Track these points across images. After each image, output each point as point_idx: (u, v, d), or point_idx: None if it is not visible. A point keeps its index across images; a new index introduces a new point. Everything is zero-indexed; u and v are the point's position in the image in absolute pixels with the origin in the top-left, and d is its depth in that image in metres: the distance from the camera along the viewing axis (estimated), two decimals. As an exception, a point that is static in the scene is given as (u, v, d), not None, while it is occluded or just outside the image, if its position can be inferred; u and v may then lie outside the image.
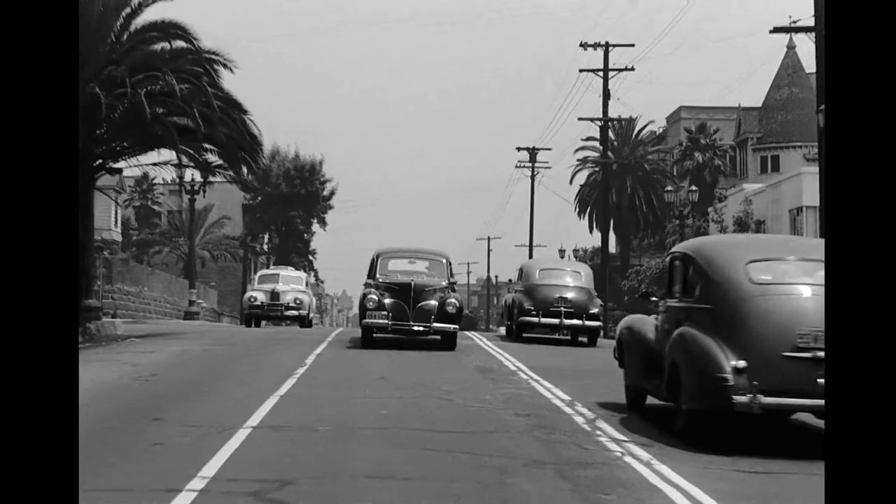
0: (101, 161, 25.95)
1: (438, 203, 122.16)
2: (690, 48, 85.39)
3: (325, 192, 69.48)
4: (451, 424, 10.88)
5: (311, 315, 36.63)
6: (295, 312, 34.44)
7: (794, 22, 30.08)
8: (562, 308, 24.72)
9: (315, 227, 71.40)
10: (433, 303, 20.83)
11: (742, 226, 46.63)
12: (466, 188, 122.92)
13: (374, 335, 21.17)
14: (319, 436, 10.06)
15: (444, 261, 22.45)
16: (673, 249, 12.34)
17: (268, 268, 61.92)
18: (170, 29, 25.80)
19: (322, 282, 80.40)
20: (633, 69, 54.95)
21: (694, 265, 11.06)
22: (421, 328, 20.80)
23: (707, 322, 10.37)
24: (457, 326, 21.19)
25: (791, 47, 60.80)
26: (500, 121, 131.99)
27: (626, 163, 74.00)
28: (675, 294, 11.47)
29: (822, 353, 9.05)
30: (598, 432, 10.78)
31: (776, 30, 29.70)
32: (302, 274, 40.15)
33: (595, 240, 79.14)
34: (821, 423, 10.76)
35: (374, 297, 20.76)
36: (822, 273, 9.28)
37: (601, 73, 54.24)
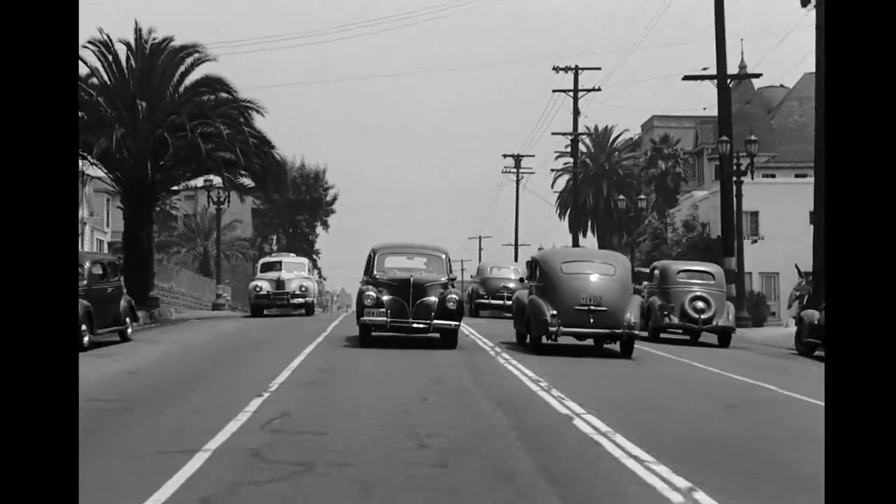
0: (162, 185, 34.43)
1: (433, 204, 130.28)
2: (657, 60, 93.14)
3: (328, 198, 77.77)
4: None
5: (315, 301, 36.75)
6: (301, 300, 34.93)
7: (705, 69, 38.43)
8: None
9: (318, 229, 79.66)
10: (433, 299, 20.46)
11: (689, 227, 54.91)
12: (460, 190, 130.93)
13: (373, 333, 21.02)
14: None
15: (444, 256, 22.09)
16: (529, 257, 22.29)
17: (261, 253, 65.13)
18: (214, 84, 34.19)
19: (325, 279, 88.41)
20: (599, 90, 63.62)
21: (539, 264, 21.19)
22: (421, 325, 20.40)
23: (542, 292, 20.38)
24: (458, 323, 20.81)
25: (742, 67, 68.90)
26: (490, 129, 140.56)
27: (602, 168, 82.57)
28: (532, 279, 21.57)
29: (594, 307, 19.44)
30: (497, 352, 19.62)
31: (686, 77, 38.03)
32: (304, 260, 39.83)
33: (564, 239, 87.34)
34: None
35: (371, 293, 20.46)
36: (600, 267, 19.93)
37: (571, 94, 62.75)
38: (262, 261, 40.00)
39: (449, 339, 20.87)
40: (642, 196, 68.78)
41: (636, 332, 20.25)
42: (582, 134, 65.66)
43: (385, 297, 20.49)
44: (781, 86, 77.13)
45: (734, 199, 39.36)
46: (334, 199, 78.47)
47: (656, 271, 27.16)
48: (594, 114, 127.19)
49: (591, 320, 19.65)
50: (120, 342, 21.97)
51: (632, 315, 19.86)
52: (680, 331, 26.45)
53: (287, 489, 7.93)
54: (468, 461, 8.96)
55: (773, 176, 65.89)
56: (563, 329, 19.59)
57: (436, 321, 20.37)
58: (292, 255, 43.57)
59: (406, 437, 10.17)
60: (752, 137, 41.45)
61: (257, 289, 34.90)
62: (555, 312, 19.47)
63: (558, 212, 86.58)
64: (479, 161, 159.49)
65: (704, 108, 75.28)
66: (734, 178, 40.92)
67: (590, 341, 21.27)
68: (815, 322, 23.96)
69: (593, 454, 9.48)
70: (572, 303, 19.54)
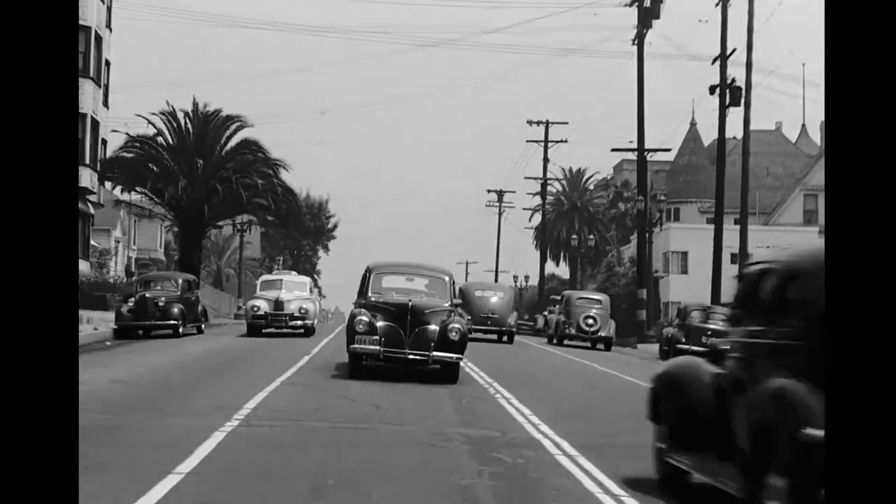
0: (211, 222, 46.46)
1: (423, 230, 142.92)
2: (623, 113, 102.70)
3: (329, 226, 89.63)
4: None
5: (315, 322, 34.79)
6: (300, 322, 32.89)
7: (630, 142, 50.33)
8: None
9: (320, 252, 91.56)
10: (433, 327, 18.52)
11: (633, 262, 66.62)
12: (449, 218, 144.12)
13: (364, 363, 18.87)
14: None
15: (447, 279, 20.29)
16: (459, 286, 32.90)
17: (270, 272, 66.01)
18: (251, 146, 46.20)
19: (324, 297, 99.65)
20: (566, 141, 75.75)
21: (462, 290, 32.78)
22: (418, 357, 18.45)
23: (468, 311, 31.84)
24: (460, 356, 18.85)
25: (693, 124, 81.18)
26: (479, 162, 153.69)
27: (574, 206, 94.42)
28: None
29: (493, 316, 31.38)
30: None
31: (614, 150, 49.91)
32: (305, 279, 38.10)
33: (549, 268, 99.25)
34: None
35: (364, 318, 18.43)
36: (495, 293, 33.05)
37: (542, 144, 74.84)
38: (261, 278, 38.50)
39: (450, 373, 18.81)
40: (612, 232, 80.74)
41: (514, 330, 36.70)
42: (552, 180, 77.75)
43: (379, 323, 18.36)
44: (734, 137, 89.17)
45: (647, 245, 51.20)
46: (335, 226, 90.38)
47: (563, 297, 39.55)
48: (575, 152, 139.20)
49: (489, 323, 35.39)
50: (196, 334, 33.43)
51: (511, 321, 36.18)
52: (577, 339, 38.38)
53: None
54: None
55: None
56: (473, 328, 31.45)
57: (435, 353, 18.31)
58: (293, 273, 41.96)
59: None
60: (662, 197, 53.26)
61: (254, 308, 33.12)
62: (469, 318, 30.84)
63: (534, 243, 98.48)
64: (467, 192, 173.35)
65: (669, 149, 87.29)
66: (655, 228, 52.77)
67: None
68: (668, 336, 35.64)
69: (483, 389, 18.44)
70: (479, 313, 34.42)
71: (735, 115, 51.48)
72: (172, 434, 11.22)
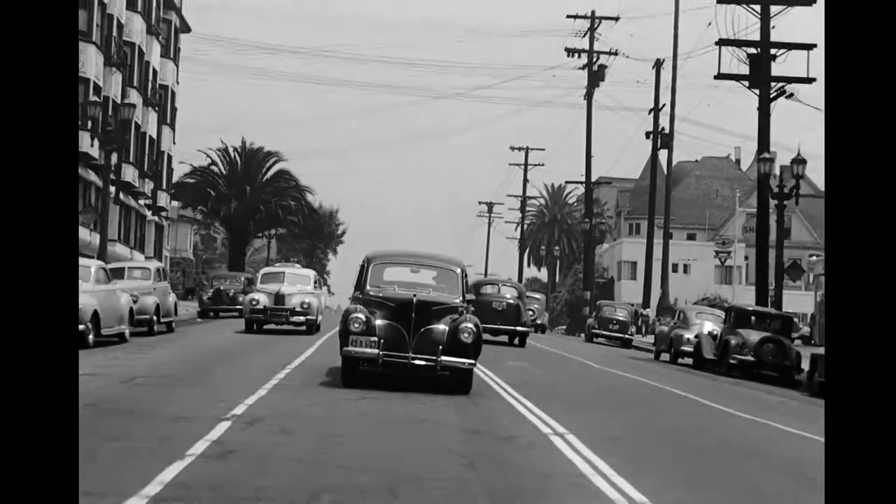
0: (253, 234, 61.49)
1: (423, 235, 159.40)
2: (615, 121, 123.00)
3: (339, 232, 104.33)
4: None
5: (320, 317, 32.76)
6: (301, 318, 30.77)
7: (581, 175, 65.01)
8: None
9: (330, 255, 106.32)
10: (441, 327, 15.67)
11: (596, 271, 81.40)
12: (446, 225, 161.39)
13: (361, 368, 16.09)
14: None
15: (458, 271, 17.22)
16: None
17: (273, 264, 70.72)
18: (285, 175, 61.29)
19: (333, 294, 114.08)
20: (543, 165, 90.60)
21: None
22: (423, 362, 15.54)
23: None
24: (473, 362, 15.92)
25: (657, 148, 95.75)
26: (469, 183, 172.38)
27: (554, 218, 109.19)
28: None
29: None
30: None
31: (568, 182, 64.63)
32: (310, 272, 36.00)
33: (532, 272, 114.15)
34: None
35: (360, 316, 15.62)
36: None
37: (522, 167, 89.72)
38: (262, 271, 36.50)
39: (461, 382, 16.15)
40: (605, 245, 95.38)
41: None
42: (532, 198, 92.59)
43: (378, 322, 15.73)
44: (696, 160, 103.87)
45: (593, 257, 65.99)
46: (343, 232, 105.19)
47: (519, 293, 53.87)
48: (558, 167, 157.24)
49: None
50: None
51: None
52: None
53: None
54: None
55: (672, 235, 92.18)
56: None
57: (444, 358, 15.58)
58: (297, 265, 41.51)
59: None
60: (612, 216, 68.05)
61: (253, 302, 30.83)
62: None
63: (518, 251, 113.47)
64: (464, 204, 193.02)
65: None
66: (604, 242, 67.50)
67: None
68: (589, 325, 50.31)
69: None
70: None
71: (696, 143, 66.43)
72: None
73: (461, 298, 16.58)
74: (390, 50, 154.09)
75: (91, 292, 22.91)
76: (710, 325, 32.77)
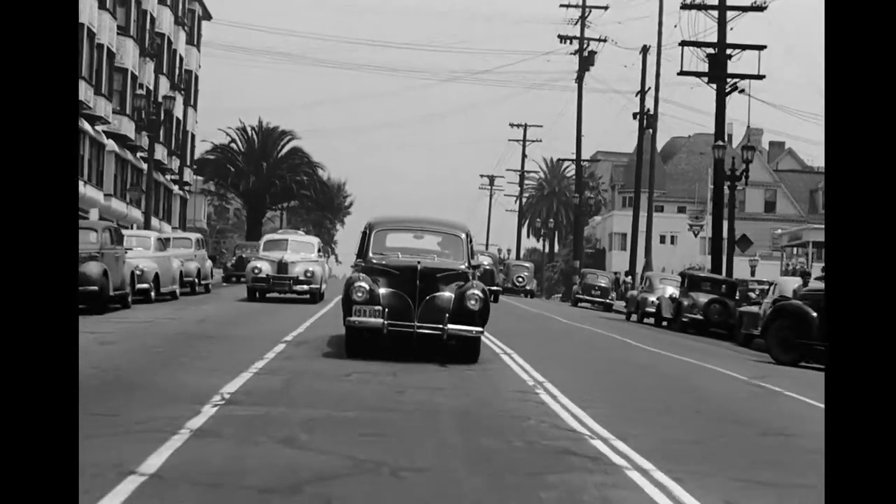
0: (269, 206, 67.20)
1: (428, 205, 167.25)
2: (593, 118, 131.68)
3: (346, 204, 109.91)
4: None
5: (324, 286, 32.19)
6: (305, 287, 30.41)
7: (571, 153, 70.48)
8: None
9: (338, 226, 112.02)
10: (447, 294, 15.40)
11: (588, 241, 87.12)
12: (449, 197, 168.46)
13: (364, 337, 15.61)
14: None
15: (464, 235, 16.82)
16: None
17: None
18: (298, 152, 66.94)
19: (340, 263, 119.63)
20: (540, 141, 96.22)
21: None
22: (430, 331, 15.28)
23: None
24: (481, 329, 15.60)
25: (646, 128, 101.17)
26: (473, 157, 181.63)
27: (553, 191, 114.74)
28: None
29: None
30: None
31: (561, 160, 70.02)
32: (313, 239, 35.55)
33: (531, 242, 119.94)
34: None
35: (363, 285, 15.31)
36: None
37: (521, 142, 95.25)
38: (265, 238, 35.26)
39: (468, 351, 15.81)
40: (598, 217, 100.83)
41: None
42: (530, 172, 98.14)
43: (382, 291, 15.38)
44: (689, 136, 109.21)
45: (583, 230, 71.62)
46: (350, 203, 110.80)
47: (505, 264, 59.84)
48: (557, 143, 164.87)
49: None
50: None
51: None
52: (513, 292, 58.95)
53: None
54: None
55: (662, 208, 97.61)
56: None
57: (451, 326, 15.21)
58: (300, 232, 40.67)
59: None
60: (606, 189, 73.53)
61: (255, 270, 30.53)
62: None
63: (517, 223, 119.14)
64: (465, 178, 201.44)
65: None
66: (597, 216, 72.99)
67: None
68: (574, 290, 55.98)
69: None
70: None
71: (689, 115, 72.35)
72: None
73: (466, 264, 16.24)
74: (399, 36, 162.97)
75: (151, 258, 28.71)
76: (670, 289, 38.32)
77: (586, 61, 68.97)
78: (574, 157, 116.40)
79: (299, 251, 31.79)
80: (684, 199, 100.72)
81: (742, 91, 40.80)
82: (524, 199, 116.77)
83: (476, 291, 15.46)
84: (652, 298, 38.90)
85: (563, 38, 68.58)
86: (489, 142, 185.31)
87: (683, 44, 40.80)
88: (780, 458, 9.62)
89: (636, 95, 69.60)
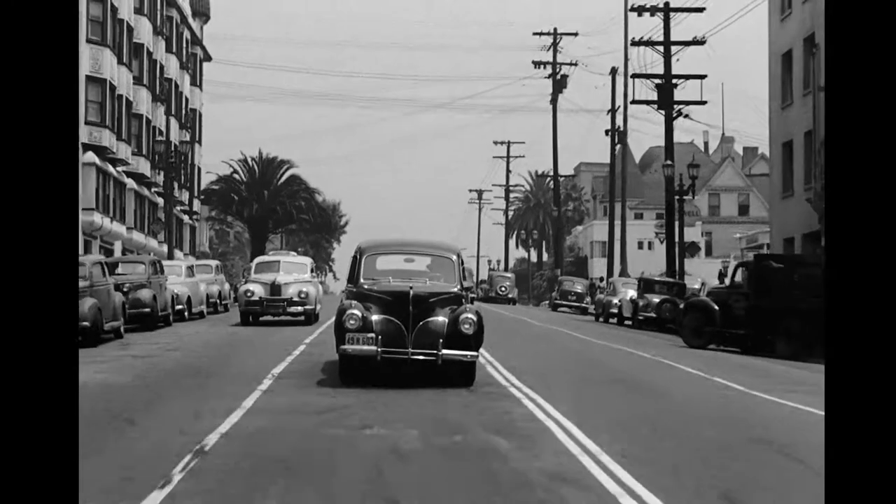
0: (271, 230, 73.30)
1: (420, 222, 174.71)
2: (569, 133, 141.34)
3: (342, 223, 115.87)
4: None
5: (318, 306, 32.03)
6: (299, 308, 30.49)
7: (549, 170, 76.49)
8: None
9: (335, 244, 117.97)
10: (441, 319, 15.46)
11: (570, 249, 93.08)
12: (440, 212, 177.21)
13: (358, 366, 15.65)
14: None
15: (454, 257, 17.01)
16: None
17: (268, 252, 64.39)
18: (297, 180, 73.03)
19: (338, 279, 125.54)
20: (524, 156, 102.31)
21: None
22: (424, 357, 15.32)
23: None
24: (476, 354, 15.68)
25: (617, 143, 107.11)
26: (462, 173, 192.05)
27: (539, 202, 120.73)
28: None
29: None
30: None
31: (539, 176, 75.96)
32: (306, 260, 35.22)
33: (520, 253, 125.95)
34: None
35: (355, 312, 15.34)
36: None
37: (504, 159, 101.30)
38: (257, 260, 35.14)
39: (464, 374, 15.77)
40: (580, 227, 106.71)
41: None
42: (514, 187, 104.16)
43: (374, 317, 15.33)
44: (658, 147, 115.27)
45: (563, 241, 77.58)
46: (346, 223, 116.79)
47: (489, 276, 66.12)
48: (540, 158, 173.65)
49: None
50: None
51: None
52: (496, 300, 65.10)
53: None
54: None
55: (642, 216, 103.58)
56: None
57: (445, 351, 15.20)
58: (293, 253, 40.19)
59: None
60: (587, 200, 79.48)
61: (248, 293, 30.59)
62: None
63: (504, 235, 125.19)
64: (453, 193, 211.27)
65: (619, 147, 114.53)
66: (578, 226, 78.90)
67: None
68: (552, 296, 61.91)
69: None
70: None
71: (660, 130, 78.16)
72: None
73: (459, 286, 16.27)
74: (385, 67, 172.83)
75: (184, 283, 34.64)
76: (631, 292, 44.22)
77: (559, 84, 74.93)
78: (549, 176, 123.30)
79: (292, 272, 31.54)
80: (662, 206, 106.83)
81: (687, 116, 46.84)
82: (512, 212, 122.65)
83: (470, 315, 15.50)
84: (615, 301, 44.83)
85: (537, 64, 74.53)
86: (476, 161, 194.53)
87: (634, 76, 46.80)
88: (633, 402, 15.55)
89: (607, 114, 75.54)
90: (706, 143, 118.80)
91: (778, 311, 25.25)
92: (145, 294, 28.85)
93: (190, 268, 37.68)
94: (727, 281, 30.19)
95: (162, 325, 30.21)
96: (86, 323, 21.94)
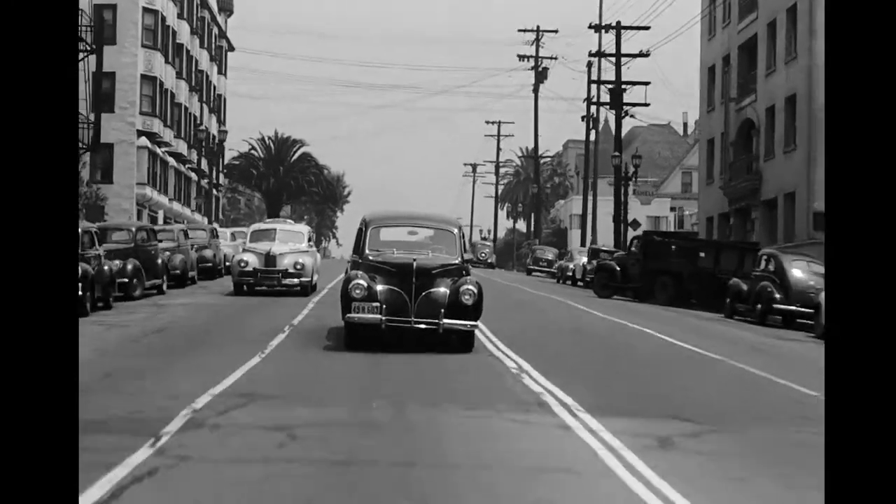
0: (286, 202, 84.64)
1: (418, 193, 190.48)
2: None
3: (345, 193, 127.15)
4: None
5: (315, 276, 30.97)
6: (295, 280, 29.45)
7: (531, 148, 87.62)
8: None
9: (338, 213, 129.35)
10: (442, 290, 16.63)
11: (553, 221, 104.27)
12: (436, 186, 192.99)
13: (363, 333, 16.87)
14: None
15: (456, 231, 18.18)
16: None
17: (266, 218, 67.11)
18: (308, 157, 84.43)
19: (341, 245, 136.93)
20: (513, 135, 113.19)
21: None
22: (425, 325, 16.56)
23: None
24: (476, 323, 17.04)
25: (592, 129, 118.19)
26: (457, 147, 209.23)
27: (529, 177, 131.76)
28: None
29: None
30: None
31: (521, 156, 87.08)
32: (303, 228, 34.78)
33: (510, 223, 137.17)
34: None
35: (361, 282, 16.52)
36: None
37: (495, 137, 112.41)
38: (252, 227, 34.75)
39: (463, 342, 17.15)
40: (562, 201, 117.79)
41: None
42: (503, 164, 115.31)
43: (379, 287, 16.51)
44: (646, 126, 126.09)
45: (540, 215, 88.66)
46: (349, 193, 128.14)
47: (473, 243, 77.71)
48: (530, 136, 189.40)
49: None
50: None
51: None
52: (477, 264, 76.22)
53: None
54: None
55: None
56: None
57: (446, 321, 16.45)
58: (289, 221, 39.95)
59: None
60: (572, 176, 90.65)
61: (242, 264, 29.77)
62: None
63: (494, 208, 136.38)
64: (450, 167, 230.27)
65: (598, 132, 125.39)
66: (561, 199, 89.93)
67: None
68: (527, 262, 73.12)
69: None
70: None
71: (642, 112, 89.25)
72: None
73: (460, 259, 17.28)
74: (390, 58, 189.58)
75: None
76: (584, 259, 55.43)
77: (541, 75, 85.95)
78: (540, 151, 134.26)
79: (287, 241, 30.76)
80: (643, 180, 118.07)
81: (633, 116, 58.02)
82: (503, 186, 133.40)
83: (470, 286, 16.65)
84: (571, 265, 56.08)
85: (521, 58, 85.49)
86: (471, 140, 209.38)
87: (591, 82, 57.90)
88: (548, 332, 26.74)
89: (583, 102, 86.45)
90: (685, 125, 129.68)
91: (657, 270, 36.47)
92: (178, 259, 33.38)
93: (184, 232, 37.84)
94: (631, 249, 41.38)
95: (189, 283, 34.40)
96: (177, 271, 32.81)
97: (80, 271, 21.65)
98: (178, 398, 11.42)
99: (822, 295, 25.22)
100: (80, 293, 21.43)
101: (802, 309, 28.05)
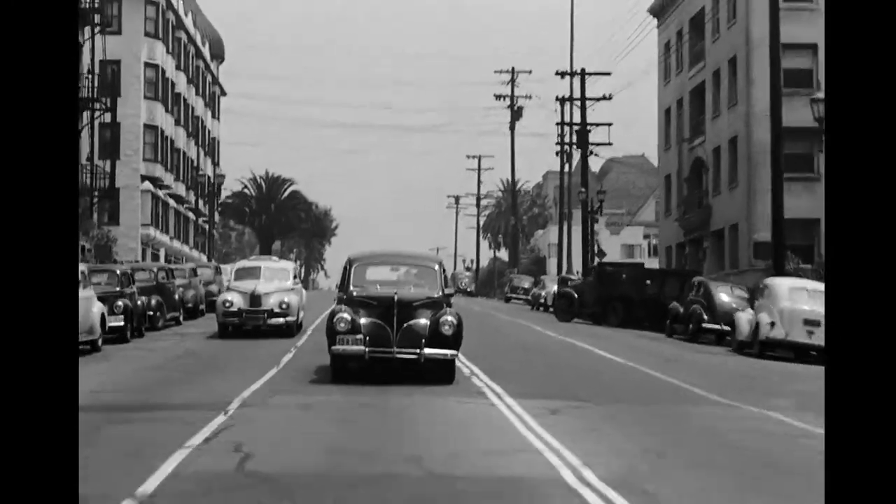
0: (276, 237, 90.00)
1: (403, 225, 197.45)
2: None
3: (332, 227, 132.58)
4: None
5: (301, 315, 30.87)
6: (280, 320, 29.26)
7: (507, 183, 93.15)
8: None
9: (326, 246, 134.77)
10: (423, 322, 17.67)
11: (532, 251, 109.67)
12: (420, 216, 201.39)
13: (349, 365, 17.98)
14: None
15: (437, 267, 19.34)
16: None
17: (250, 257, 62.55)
18: (297, 195, 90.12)
19: (329, 277, 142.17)
20: (492, 168, 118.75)
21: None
22: (407, 356, 17.52)
23: None
24: (455, 352, 18.08)
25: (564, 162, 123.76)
26: (439, 182, 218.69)
27: (510, 207, 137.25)
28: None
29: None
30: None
31: (502, 190, 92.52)
32: (288, 265, 35.13)
33: (492, 253, 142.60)
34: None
35: (345, 316, 17.52)
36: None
37: (475, 171, 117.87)
38: (237, 265, 35.25)
39: (444, 371, 18.08)
40: (540, 231, 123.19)
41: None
42: (490, 193, 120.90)
43: (363, 320, 17.50)
44: (612, 159, 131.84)
45: (518, 245, 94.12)
46: (336, 227, 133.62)
47: (452, 274, 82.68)
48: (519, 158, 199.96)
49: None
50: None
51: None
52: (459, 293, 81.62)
53: None
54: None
55: (597, 220, 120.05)
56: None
57: (427, 350, 17.44)
58: (274, 258, 40.30)
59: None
60: (550, 206, 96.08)
61: (226, 304, 29.42)
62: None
63: (484, 236, 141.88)
64: (433, 197, 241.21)
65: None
66: (539, 230, 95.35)
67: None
68: (505, 291, 78.44)
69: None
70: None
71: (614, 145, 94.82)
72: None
73: (440, 292, 18.34)
74: (369, 97, 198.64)
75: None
76: (555, 286, 60.72)
77: (517, 113, 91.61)
78: (519, 183, 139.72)
79: (273, 279, 30.49)
80: (613, 211, 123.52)
81: (597, 155, 63.65)
82: (485, 217, 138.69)
83: (450, 317, 17.64)
84: (543, 293, 61.41)
85: (497, 97, 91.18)
86: (453, 171, 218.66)
87: (558, 124, 63.53)
88: (510, 351, 32.08)
89: (558, 135, 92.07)
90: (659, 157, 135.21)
91: (610, 297, 41.83)
92: (190, 294, 38.69)
93: (194, 270, 42.88)
94: (589, 278, 46.68)
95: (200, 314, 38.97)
96: (190, 305, 38.63)
97: (122, 306, 27.72)
98: (228, 393, 16.70)
99: (738, 314, 30.64)
100: (122, 324, 27.50)
101: (726, 327, 33.34)
